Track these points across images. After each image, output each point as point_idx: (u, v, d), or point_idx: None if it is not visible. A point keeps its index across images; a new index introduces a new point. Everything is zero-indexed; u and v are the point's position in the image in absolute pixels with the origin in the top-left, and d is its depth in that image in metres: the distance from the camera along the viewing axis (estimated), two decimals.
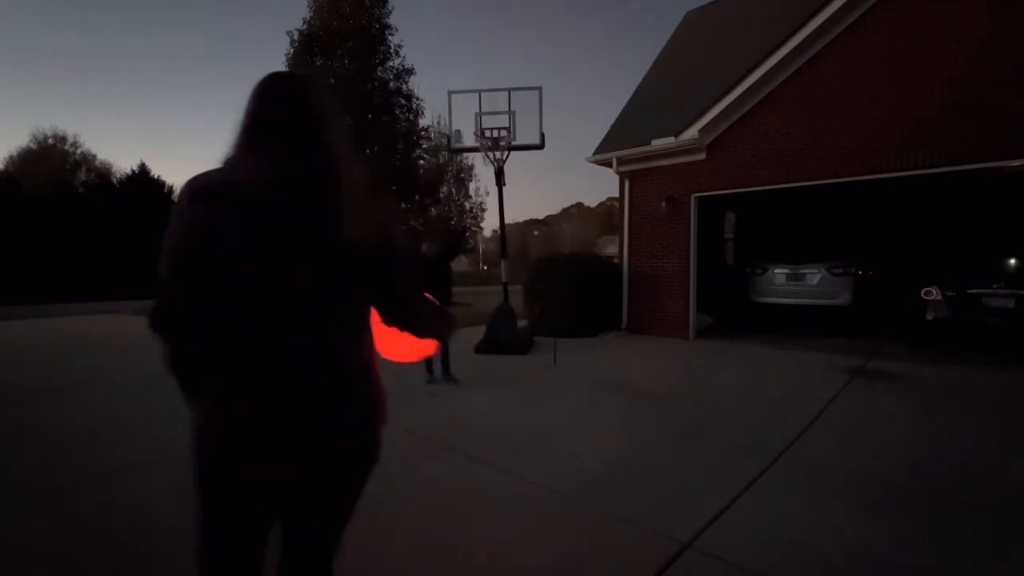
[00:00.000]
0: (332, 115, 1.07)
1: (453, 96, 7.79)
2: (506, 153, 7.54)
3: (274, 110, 1.02)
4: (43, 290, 20.00)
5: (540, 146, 7.59)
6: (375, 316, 1.13)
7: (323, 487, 1.03)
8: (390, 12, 13.73)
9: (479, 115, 7.55)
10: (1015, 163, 5.63)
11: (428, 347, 1.36)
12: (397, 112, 13.44)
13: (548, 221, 74.16)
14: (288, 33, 12.87)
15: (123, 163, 54.89)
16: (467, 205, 24.38)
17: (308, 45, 12.60)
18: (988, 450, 3.31)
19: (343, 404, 1.03)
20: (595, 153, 9.07)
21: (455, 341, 4.87)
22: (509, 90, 7.54)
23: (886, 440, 3.45)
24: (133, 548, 2.17)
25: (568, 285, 8.21)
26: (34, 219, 21.81)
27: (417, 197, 14.13)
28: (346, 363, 1.05)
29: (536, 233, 66.07)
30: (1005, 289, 6.40)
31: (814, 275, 8.22)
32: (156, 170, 27.97)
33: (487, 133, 7.51)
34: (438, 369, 5.08)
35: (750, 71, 7.13)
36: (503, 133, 7.47)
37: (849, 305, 7.98)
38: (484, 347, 6.95)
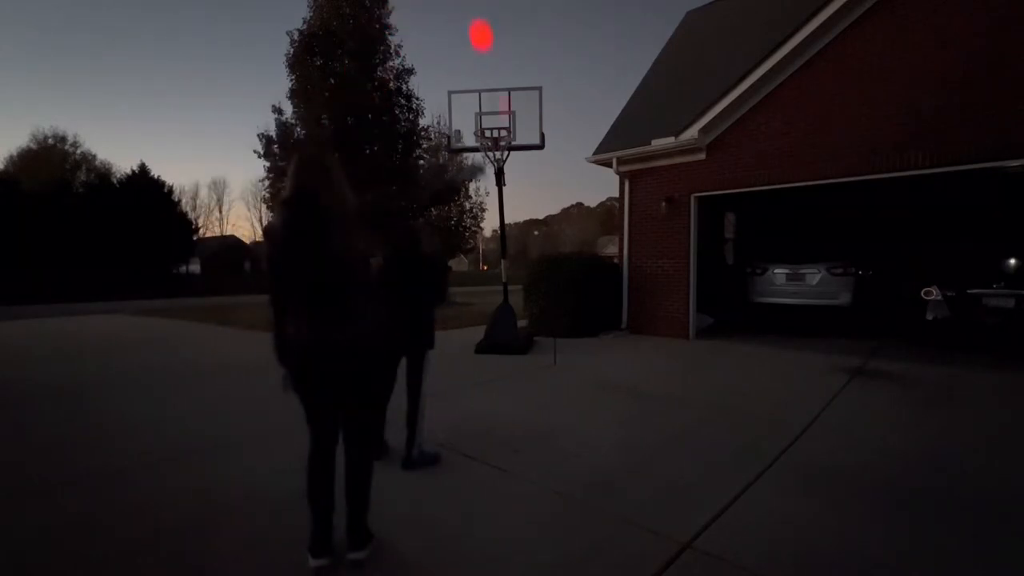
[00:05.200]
0: (328, 181, 1.96)
1: (453, 96, 7.78)
2: (506, 153, 7.54)
3: (290, 183, 1.98)
4: (43, 290, 20.00)
5: (540, 146, 7.58)
6: None
7: (342, 384, 2.00)
8: (390, 12, 13.77)
9: (479, 115, 7.54)
10: (1015, 163, 5.62)
11: None
12: (397, 112, 13.44)
13: (548, 221, 74.21)
14: (288, 33, 12.90)
15: (123, 163, 54.87)
16: (467, 205, 24.30)
17: (308, 45, 12.62)
18: (988, 450, 3.31)
19: (347, 348, 1.95)
20: (595, 153, 9.06)
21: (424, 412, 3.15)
22: (509, 90, 7.52)
23: (886, 440, 3.45)
24: (134, 548, 2.17)
25: (568, 285, 8.20)
26: (34, 219, 21.82)
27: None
28: (346, 327, 1.95)
29: (536, 233, 66.09)
30: (1005, 289, 6.40)
31: (814, 275, 8.22)
32: (156, 170, 27.98)
33: (487, 133, 7.51)
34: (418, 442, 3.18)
35: (750, 71, 7.12)
36: (503, 133, 7.47)
37: (849, 305, 7.97)
38: (484, 347, 6.96)
